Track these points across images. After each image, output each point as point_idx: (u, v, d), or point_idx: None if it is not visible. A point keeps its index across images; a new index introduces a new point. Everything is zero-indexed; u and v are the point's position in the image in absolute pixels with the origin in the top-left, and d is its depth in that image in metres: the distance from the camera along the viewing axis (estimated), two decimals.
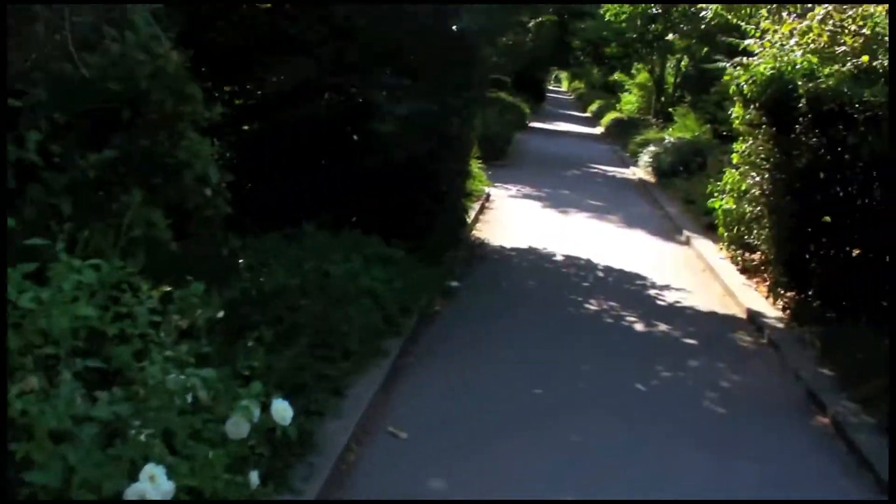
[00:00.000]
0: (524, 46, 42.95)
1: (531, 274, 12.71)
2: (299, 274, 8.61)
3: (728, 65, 13.71)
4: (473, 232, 14.80)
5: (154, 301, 4.37)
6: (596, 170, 27.46)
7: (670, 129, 29.78)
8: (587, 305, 11.28)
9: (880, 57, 11.36)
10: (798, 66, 11.87)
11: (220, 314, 4.92)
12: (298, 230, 9.85)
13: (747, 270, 13.26)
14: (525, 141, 33.25)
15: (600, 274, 13.11)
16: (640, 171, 26.50)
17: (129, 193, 5.43)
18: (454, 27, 10.48)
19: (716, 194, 14.53)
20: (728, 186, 13.90)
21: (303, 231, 9.81)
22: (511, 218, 16.84)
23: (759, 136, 12.57)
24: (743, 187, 13.18)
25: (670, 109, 33.42)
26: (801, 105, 10.77)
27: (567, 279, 12.59)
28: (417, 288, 9.95)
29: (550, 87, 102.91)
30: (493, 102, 35.08)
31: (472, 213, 15.59)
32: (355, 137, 10.77)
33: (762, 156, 12.45)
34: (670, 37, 33.46)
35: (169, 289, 4.46)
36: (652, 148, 26.12)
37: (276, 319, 7.56)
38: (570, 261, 13.74)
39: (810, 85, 10.92)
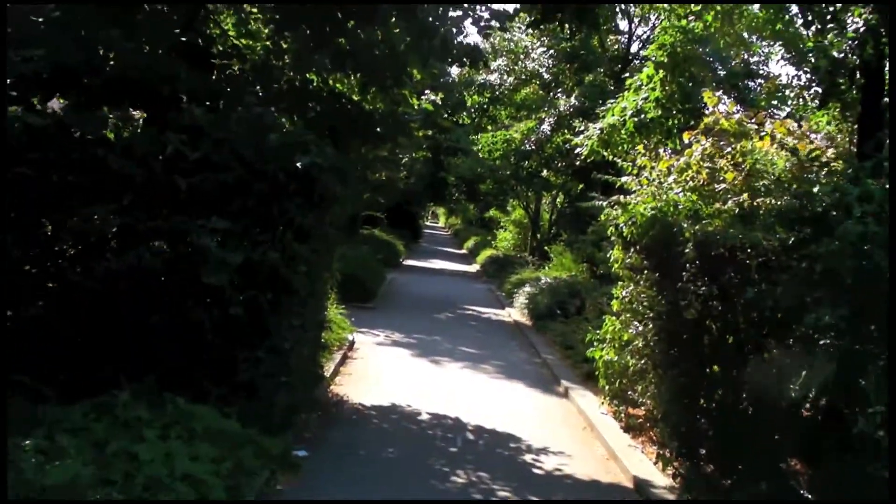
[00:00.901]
0: (398, 182, 42.26)
1: (393, 438, 11.22)
2: (100, 459, 7.08)
3: (605, 204, 12.81)
4: (332, 387, 13.34)
5: None
6: (471, 311, 26.32)
7: (547, 268, 29.04)
8: (454, 478, 9.81)
9: (763, 195, 10.59)
10: (681, 206, 11.03)
11: None
12: (112, 398, 8.30)
13: (632, 428, 12.07)
14: (398, 280, 32.12)
15: (470, 436, 11.70)
16: (515, 313, 25.46)
17: None
18: (298, 164, 9.20)
19: (595, 343, 13.42)
20: (608, 335, 12.81)
21: (116, 400, 8.25)
22: (376, 369, 15.40)
23: (641, 282, 11.58)
24: (625, 337, 12.11)
25: (546, 247, 32.80)
26: (687, 249, 9.77)
27: (433, 444, 11.14)
28: (254, 464, 8.45)
29: (427, 223, 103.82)
30: (366, 241, 34.20)
31: (332, 366, 14.16)
32: (190, 288, 9.26)
33: (645, 303, 11.43)
34: (545, 173, 33.06)
35: None
36: (527, 288, 25.17)
37: None
38: (438, 420, 12.34)
39: (696, 227, 9.98)
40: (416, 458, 10.40)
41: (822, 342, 8.04)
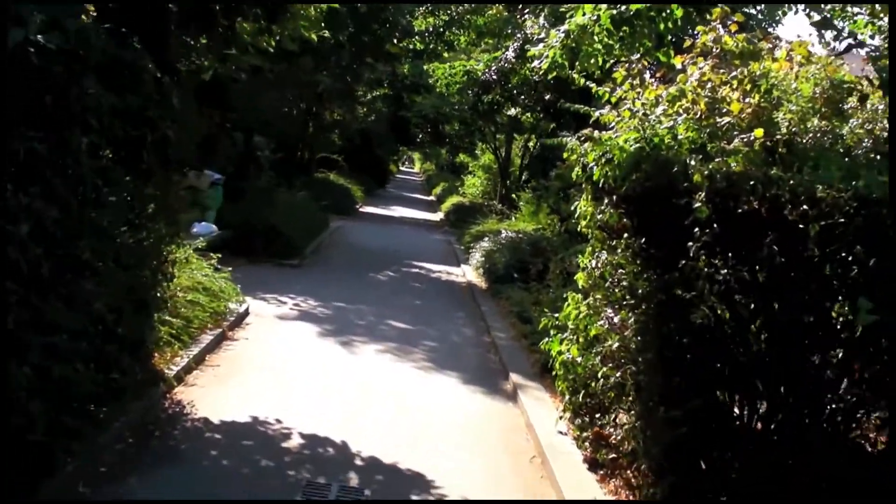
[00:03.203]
0: (353, 122, 38.06)
1: (227, 489, 7.14)
2: None
3: (573, 138, 8.88)
4: (176, 390, 9.30)
5: None
6: (419, 269, 22.22)
7: (513, 219, 25.05)
8: None
9: (783, 128, 6.95)
10: (681, 137, 7.17)
11: None
12: None
13: (600, 465, 8.13)
14: (345, 229, 28.04)
15: (354, 479, 7.58)
16: (471, 272, 21.43)
17: None
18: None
19: (552, 332, 9.47)
20: (570, 324, 8.88)
21: None
22: (260, 357, 11.23)
23: (619, 250, 7.64)
24: (592, 332, 8.18)
25: (514, 196, 28.78)
26: (697, 203, 5.80)
27: (289, 498, 7.13)
28: None
29: (404, 169, 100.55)
30: (314, 184, 30.48)
31: (192, 355, 10.12)
32: None
33: (623, 282, 7.49)
34: (513, 111, 28.93)
35: None
36: (485, 244, 21.09)
37: None
38: (314, 448, 8.24)
39: (711, 166, 6.02)
40: None
41: None
